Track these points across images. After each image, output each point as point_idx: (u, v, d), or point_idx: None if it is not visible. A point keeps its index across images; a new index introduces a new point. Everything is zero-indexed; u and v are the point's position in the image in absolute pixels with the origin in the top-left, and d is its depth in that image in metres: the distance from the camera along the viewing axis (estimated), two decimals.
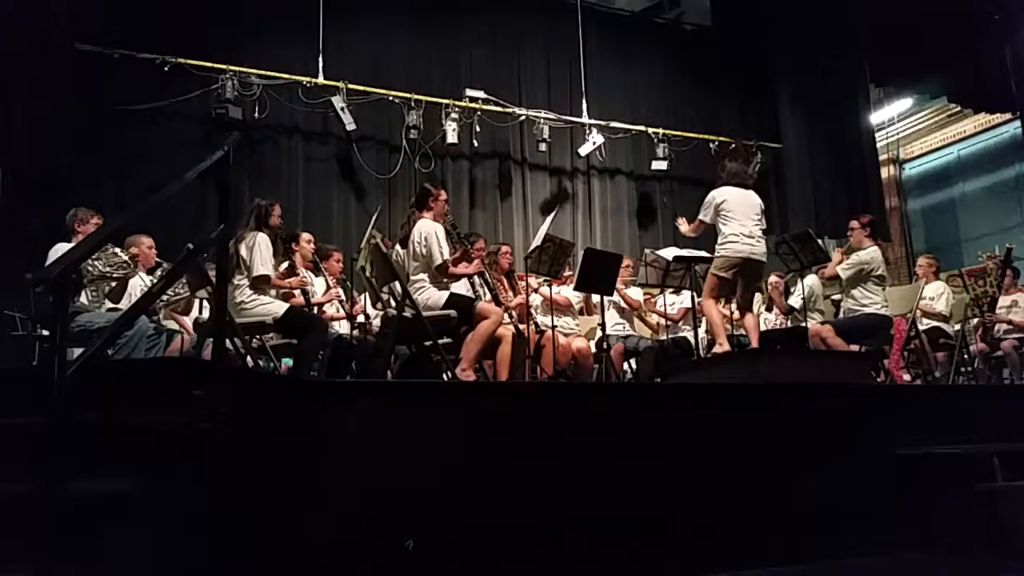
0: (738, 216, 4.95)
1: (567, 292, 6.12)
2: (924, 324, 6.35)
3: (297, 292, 5.08)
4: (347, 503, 2.52)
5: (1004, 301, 6.55)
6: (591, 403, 3.20)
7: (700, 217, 5.11)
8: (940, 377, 6.16)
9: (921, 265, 6.93)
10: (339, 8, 7.69)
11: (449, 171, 8.24)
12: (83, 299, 4.47)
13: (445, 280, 4.75)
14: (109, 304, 4.59)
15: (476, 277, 5.26)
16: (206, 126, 7.12)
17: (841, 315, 5.88)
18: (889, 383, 5.74)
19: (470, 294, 5.08)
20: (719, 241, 5.03)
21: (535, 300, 5.91)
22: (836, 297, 6.28)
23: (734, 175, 5.13)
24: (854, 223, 5.77)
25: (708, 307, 5.02)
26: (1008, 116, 9.06)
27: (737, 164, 5.25)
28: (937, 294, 6.59)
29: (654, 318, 6.60)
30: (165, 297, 4.94)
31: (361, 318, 5.74)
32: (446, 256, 4.66)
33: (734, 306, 5.46)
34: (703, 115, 9.29)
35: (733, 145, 9.01)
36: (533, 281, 5.75)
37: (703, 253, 5.55)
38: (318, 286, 5.66)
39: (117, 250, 4.46)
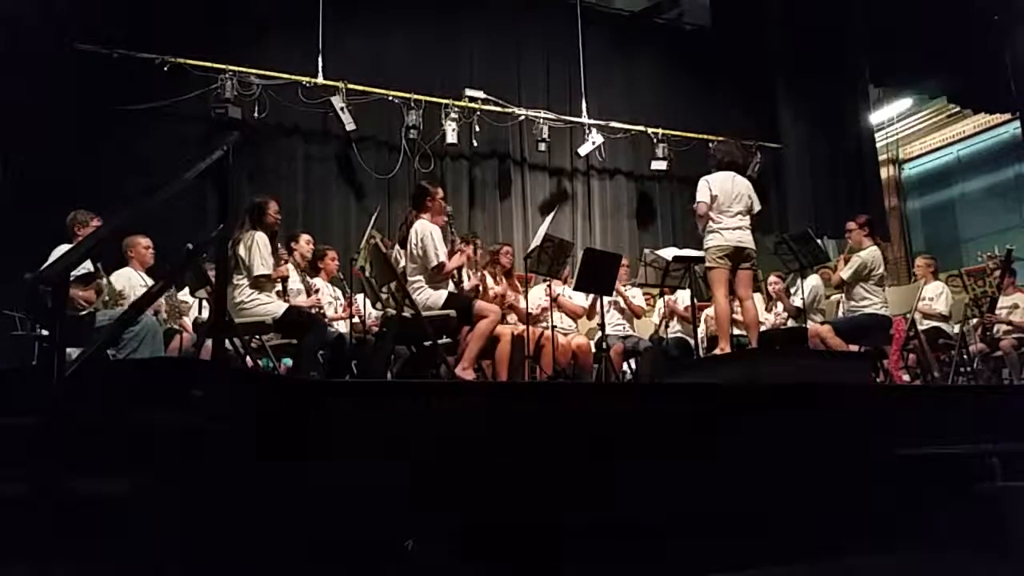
0: (724, 207, 5.04)
1: (579, 299, 6.12)
2: (923, 324, 6.35)
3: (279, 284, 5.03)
4: (347, 503, 2.52)
5: (1004, 302, 6.55)
6: (590, 403, 3.20)
7: (700, 201, 5.12)
8: (939, 377, 6.16)
9: (919, 266, 6.93)
10: (339, 8, 7.68)
11: (448, 171, 8.23)
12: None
13: (440, 280, 4.76)
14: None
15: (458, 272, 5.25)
16: (213, 126, 7.09)
17: (840, 315, 5.89)
18: (888, 383, 5.74)
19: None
20: (706, 234, 5.12)
21: (541, 301, 5.89)
22: (836, 297, 6.29)
23: (725, 153, 5.30)
24: (851, 224, 5.78)
25: (718, 302, 5.03)
26: (1008, 116, 9.06)
27: (727, 146, 5.34)
28: (937, 294, 6.59)
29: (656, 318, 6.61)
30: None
31: (357, 318, 5.73)
32: (442, 258, 4.66)
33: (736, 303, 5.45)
34: (703, 115, 9.26)
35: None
36: (555, 287, 5.78)
37: (702, 253, 5.56)
38: (322, 288, 5.68)
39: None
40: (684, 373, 5.09)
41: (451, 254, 4.89)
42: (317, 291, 5.48)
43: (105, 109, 6.47)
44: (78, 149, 6.21)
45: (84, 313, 4.27)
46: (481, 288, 5.46)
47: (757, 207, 5.18)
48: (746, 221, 5.07)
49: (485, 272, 5.72)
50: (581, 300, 6.17)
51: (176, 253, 3.98)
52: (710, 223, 5.06)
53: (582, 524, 2.79)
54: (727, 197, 5.05)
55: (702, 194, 5.11)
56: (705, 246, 5.12)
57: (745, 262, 5.07)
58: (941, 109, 10.22)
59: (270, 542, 2.35)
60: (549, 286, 5.86)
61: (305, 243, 5.66)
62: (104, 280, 4.55)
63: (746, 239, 5.04)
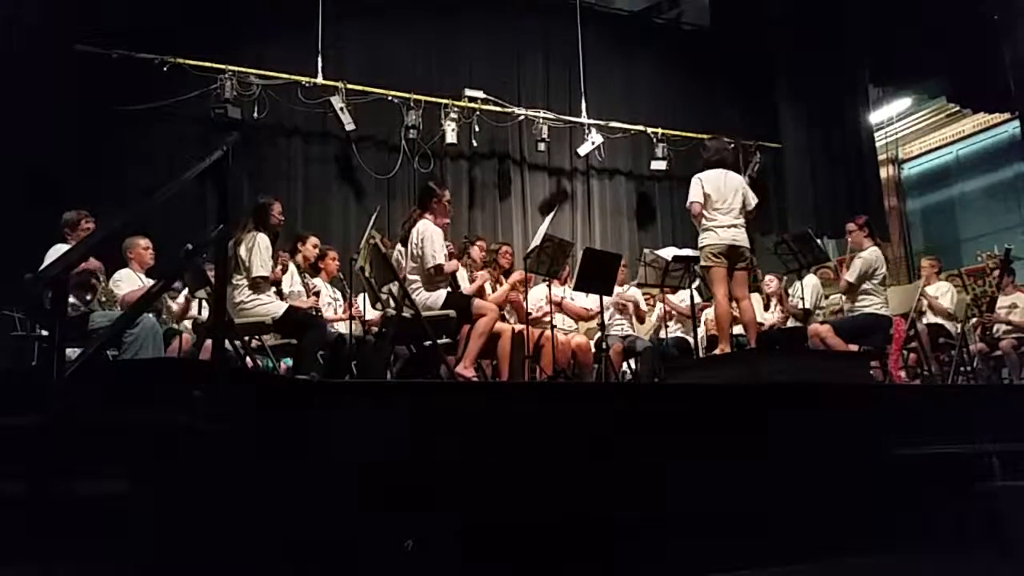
0: (718, 205, 5.03)
1: (582, 300, 6.11)
2: (924, 321, 6.35)
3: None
4: (347, 503, 2.52)
5: (1004, 302, 6.56)
6: (590, 403, 3.20)
7: (693, 200, 5.12)
8: (939, 376, 6.16)
9: (924, 267, 6.94)
10: (339, 8, 7.68)
11: (448, 171, 8.23)
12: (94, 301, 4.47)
13: (438, 280, 4.76)
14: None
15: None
16: (212, 126, 7.08)
17: (840, 315, 5.88)
18: (888, 383, 5.74)
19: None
20: (701, 232, 5.10)
21: (542, 303, 5.89)
22: (836, 296, 6.28)
23: (715, 151, 5.26)
24: (851, 225, 5.77)
25: (718, 301, 5.03)
26: (1007, 116, 9.05)
27: (717, 143, 5.34)
28: (942, 293, 6.62)
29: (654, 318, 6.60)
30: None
31: (357, 318, 5.72)
32: (439, 260, 4.67)
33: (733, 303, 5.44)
34: (702, 115, 9.25)
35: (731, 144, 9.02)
36: (556, 291, 5.77)
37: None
38: (322, 289, 5.67)
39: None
40: (684, 373, 5.08)
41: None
42: (317, 294, 5.47)
43: (105, 109, 6.47)
44: (78, 149, 6.21)
45: (77, 314, 4.24)
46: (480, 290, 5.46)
47: (753, 202, 5.17)
48: (741, 220, 5.06)
49: (486, 274, 5.72)
50: (584, 301, 6.16)
51: (176, 253, 3.98)
52: (704, 221, 5.05)
53: (582, 524, 2.79)
54: (720, 194, 5.04)
55: (695, 193, 5.10)
56: (700, 245, 5.11)
57: (740, 261, 5.06)
58: (941, 109, 10.21)
59: (269, 541, 2.35)
60: (549, 287, 5.86)
61: (312, 247, 5.63)
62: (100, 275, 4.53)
63: (741, 238, 5.03)
